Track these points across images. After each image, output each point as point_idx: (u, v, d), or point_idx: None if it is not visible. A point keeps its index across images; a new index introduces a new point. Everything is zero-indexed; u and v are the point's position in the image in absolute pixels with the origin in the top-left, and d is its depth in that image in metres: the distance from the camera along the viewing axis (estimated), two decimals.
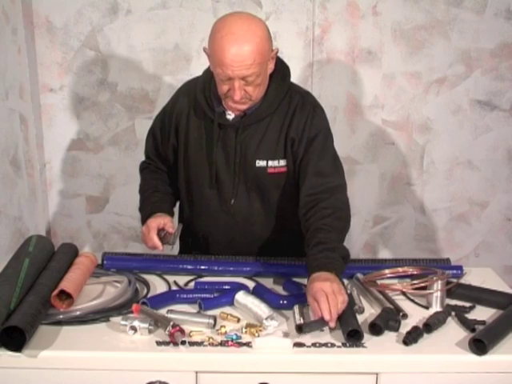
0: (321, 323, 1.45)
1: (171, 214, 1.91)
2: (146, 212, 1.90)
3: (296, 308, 1.53)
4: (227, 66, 1.65)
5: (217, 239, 1.94)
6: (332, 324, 1.47)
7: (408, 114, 2.77)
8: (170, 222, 1.82)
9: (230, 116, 1.82)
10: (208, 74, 1.84)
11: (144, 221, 1.87)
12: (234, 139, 1.84)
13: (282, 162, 1.84)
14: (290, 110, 1.84)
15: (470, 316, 1.56)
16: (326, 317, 1.46)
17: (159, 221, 1.81)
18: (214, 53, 1.68)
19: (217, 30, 1.68)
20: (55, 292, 1.51)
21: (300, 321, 1.48)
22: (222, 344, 1.42)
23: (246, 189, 1.87)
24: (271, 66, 1.77)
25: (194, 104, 1.88)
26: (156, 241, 1.78)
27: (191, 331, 1.45)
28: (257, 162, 1.84)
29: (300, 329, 1.41)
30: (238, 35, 1.65)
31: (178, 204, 2.12)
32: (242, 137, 1.83)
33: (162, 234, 1.80)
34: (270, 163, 1.84)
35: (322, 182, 1.78)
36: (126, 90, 2.70)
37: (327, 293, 1.49)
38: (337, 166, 1.86)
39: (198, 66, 2.60)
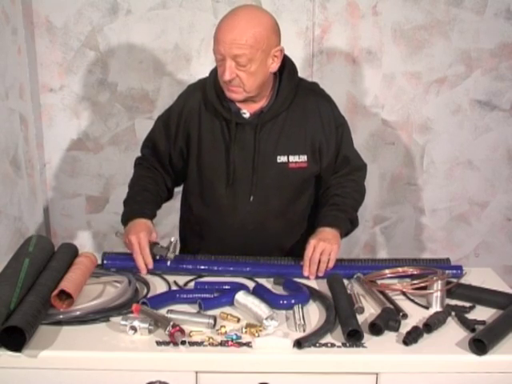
0: (320, 334, 1.44)
1: (153, 217, 1.87)
2: (130, 210, 1.86)
3: (296, 308, 1.53)
4: (220, 41, 1.70)
5: (231, 240, 1.93)
6: (311, 277, 1.77)
7: (408, 114, 2.77)
8: (154, 233, 1.79)
9: (246, 114, 1.83)
10: (216, 75, 1.84)
11: (125, 218, 1.84)
12: (252, 137, 1.85)
13: (303, 158, 1.87)
14: (308, 108, 1.88)
15: (470, 316, 1.56)
16: (305, 273, 1.77)
17: (148, 234, 1.76)
18: (215, 32, 1.73)
19: (223, 17, 1.75)
20: (55, 292, 1.51)
21: (300, 321, 1.48)
22: (222, 344, 1.42)
23: (264, 186, 1.88)
24: (274, 66, 1.79)
25: (204, 105, 1.88)
26: (150, 260, 1.74)
27: (191, 331, 1.45)
28: (278, 157, 1.87)
29: (299, 344, 1.41)
30: (239, 17, 1.71)
31: (178, 206, 2.12)
32: (261, 134, 1.84)
33: (156, 249, 1.76)
34: (291, 158, 1.87)
35: (348, 166, 1.96)
36: (126, 90, 2.70)
37: (315, 250, 1.75)
38: (356, 150, 2.02)
39: (198, 66, 2.61)
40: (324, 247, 1.76)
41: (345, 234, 1.90)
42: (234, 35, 1.68)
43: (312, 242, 1.77)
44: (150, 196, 1.92)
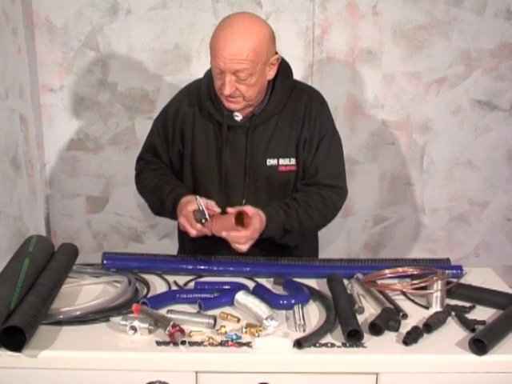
0: (320, 334, 1.44)
1: (189, 192, 1.84)
2: (170, 202, 1.83)
3: (296, 308, 1.53)
4: (220, 57, 1.67)
5: (226, 245, 1.90)
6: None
7: (408, 114, 2.77)
8: (194, 201, 1.73)
9: (238, 117, 1.83)
10: (210, 77, 1.84)
11: (174, 208, 1.81)
12: (244, 140, 1.84)
13: (293, 161, 1.86)
14: (299, 108, 1.86)
15: (470, 316, 1.56)
16: (235, 234, 1.68)
17: (187, 209, 1.73)
18: (211, 44, 1.71)
19: (220, 24, 1.72)
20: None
21: (300, 321, 1.48)
22: (222, 344, 1.42)
23: (255, 189, 1.87)
24: (271, 73, 1.79)
25: (198, 107, 1.88)
26: (199, 227, 1.71)
27: (191, 331, 1.45)
28: (267, 160, 1.85)
29: (299, 344, 1.41)
30: (237, 30, 1.68)
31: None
32: (252, 137, 1.83)
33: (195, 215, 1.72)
34: (281, 161, 1.86)
35: (322, 177, 1.86)
36: (126, 90, 2.70)
37: (246, 239, 1.69)
38: (340, 168, 1.92)
39: (197, 66, 2.61)
40: (247, 241, 1.72)
41: (268, 236, 1.81)
42: (234, 51, 1.66)
43: (255, 228, 1.70)
44: (177, 181, 1.91)
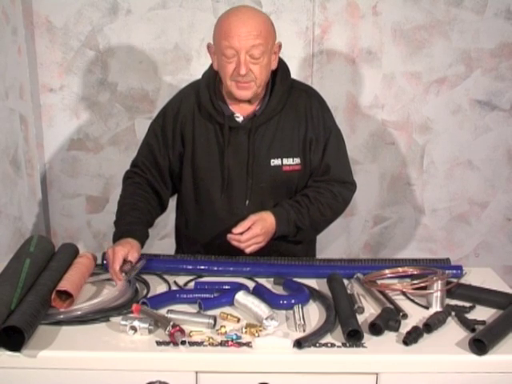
0: (320, 334, 1.44)
1: (143, 238, 1.80)
2: (119, 232, 1.79)
3: (296, 308, 1.53)
4: (234, 36, 1.70)
5: (227, 246, 1.85)
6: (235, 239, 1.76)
7: (408, 114, 2.77)
8: (135, 253, 1.70)
9: (239, 118, 1.83)
10: (209, 78, 1.84)
11: (115, 240, 1.77)
12: (246, 141, 1.84)
13: (297, 160, 1.87)
14: (299, 107, 1.87)
15: (470, 316, 1.56)
16: (234, 236, 1.75)
17: (126, 250, 1.68)
18: (220, 32, 1.73)
19: (225, 14, 1.77)
20: (54, 293, 1.51)
21: (300, 321, 1.48)
22: (221, 344, 1.42)
23: (259, 190, 1.87)
24: (274, 63, 1.81)
25: (198, 109, 1.87)
26: (118, 273, 1.65)
27: (191, 331, 1.45)
28: (271, 161, 1.86)
29: (299, 344, 1.41)
30: (245, 12, 1.75)
31: (175, 210, 2.11)
32: (255, 137, 1.83)
33: (125, 266, 1.67)
34: (285, 161, 1.87)
35: (334, 174, 1.90)
36: (126, 90, 2.70)
37: (260, 231, 1.76)
38: (348, 164, 1.97)
39: (198, 66, 2.61)
40: (255, 242, 1.77)
41: (282, 234, 1.85)
42: (248, 28, 1.70)
43: (257, 230, 1.76)
44: (141, 216, 1.84)
